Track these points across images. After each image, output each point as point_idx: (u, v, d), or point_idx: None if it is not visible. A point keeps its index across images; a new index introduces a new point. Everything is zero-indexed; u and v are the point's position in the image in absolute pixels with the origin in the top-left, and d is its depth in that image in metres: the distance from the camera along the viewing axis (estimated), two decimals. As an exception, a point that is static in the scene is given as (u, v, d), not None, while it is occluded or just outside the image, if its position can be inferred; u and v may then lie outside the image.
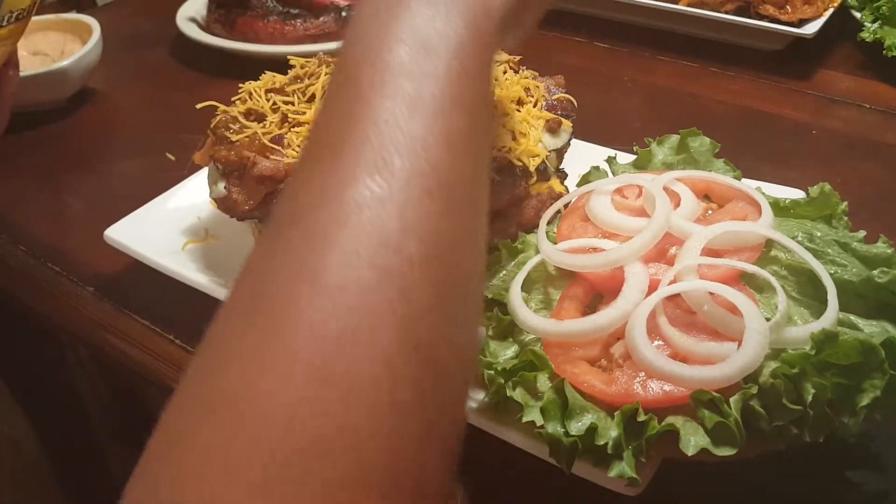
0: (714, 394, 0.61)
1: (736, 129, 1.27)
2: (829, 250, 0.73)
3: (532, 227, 0.84)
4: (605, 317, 0.68)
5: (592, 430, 0.62)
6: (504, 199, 0.83)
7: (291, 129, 0.86)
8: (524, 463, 0.70)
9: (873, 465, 0.73)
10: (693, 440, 0.60)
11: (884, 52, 1.34)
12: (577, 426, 0.62)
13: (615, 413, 0.62)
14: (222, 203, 0.87)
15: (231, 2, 1.52)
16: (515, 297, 0.72)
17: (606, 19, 1.60)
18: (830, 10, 1.42)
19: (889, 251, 0.72)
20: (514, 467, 0.72)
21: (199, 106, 0.93)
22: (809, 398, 0.59)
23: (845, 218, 0.79)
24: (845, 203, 0.79)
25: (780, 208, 0.80)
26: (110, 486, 1.68)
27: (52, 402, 1.58)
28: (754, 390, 0.61)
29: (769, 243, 0.74)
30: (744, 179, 0.86)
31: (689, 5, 1.47)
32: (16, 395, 1.52)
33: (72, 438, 1.66)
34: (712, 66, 1.45)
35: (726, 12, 1.45)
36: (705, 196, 0.83)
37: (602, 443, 0.61)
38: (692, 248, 0.70)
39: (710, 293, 0.66)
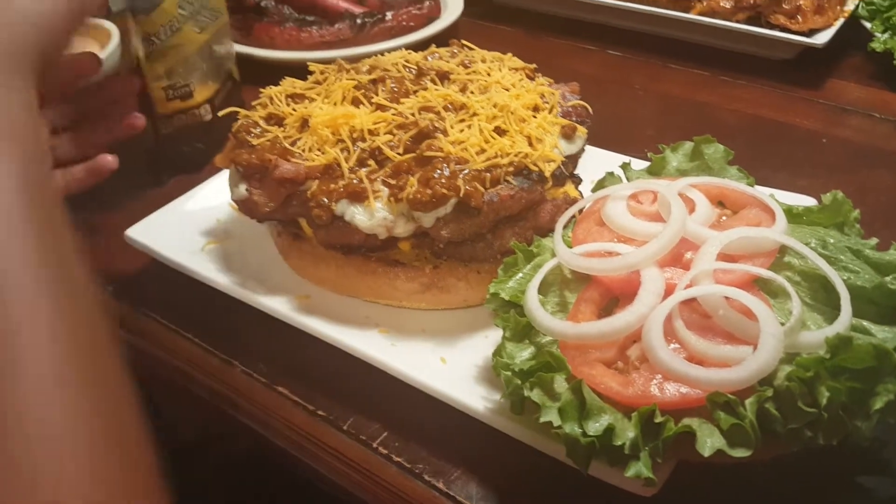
0: (730, 396, 0.62)
1: (747, 137, 1.28)
2: (841, 257, 0.74)
3: (548, 231, 0.85)
4: (622, 320, 0.69)
5: (610, 430, 0.63)
6: (520, 204, 0.84)
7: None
8: (541, 463, 0.71)
9: (886, 470, 0.73)
10: (709, 441, 0.61)
11: (894, 62, 1.35)
12: (595, 427, 0.63)
13: (632, 414, 0.63)
14: (243, 205, 0.88)
15: (247, 8, 1.54)
16: (532, 299, 0.73)
17: (619, 28, 1.61)
18: (841, 21, 1.44)
19: None
20: (530, 468, 0.73)
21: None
22: (824, 401, 0.60)
23: (857, 225, 0.80)
24: (857, 210, 0.80)
25: (793, 215, 0.81)
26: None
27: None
28: (769, 393, 0.62)
29: (783, 249, 0.74)
30: (756, 187, 0.87)
31: (700, 14, 1.49)
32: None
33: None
34: (723, 74, 1.46)
35: (738, 21, 1.46)
36: (719, 202, 0.84)
37: (619, 443, 0.62)
38: (708, 254, 0.71)
39: (726, 297, 0.67)
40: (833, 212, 0.80)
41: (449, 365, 0.81)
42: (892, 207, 1.09)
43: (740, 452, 0.61)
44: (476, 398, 0.76)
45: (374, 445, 0.79)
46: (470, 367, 0.80)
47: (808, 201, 0.93)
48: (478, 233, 0.85)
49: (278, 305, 0.87)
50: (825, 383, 0.61)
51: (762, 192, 0.83)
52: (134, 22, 1.07)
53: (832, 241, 0.76)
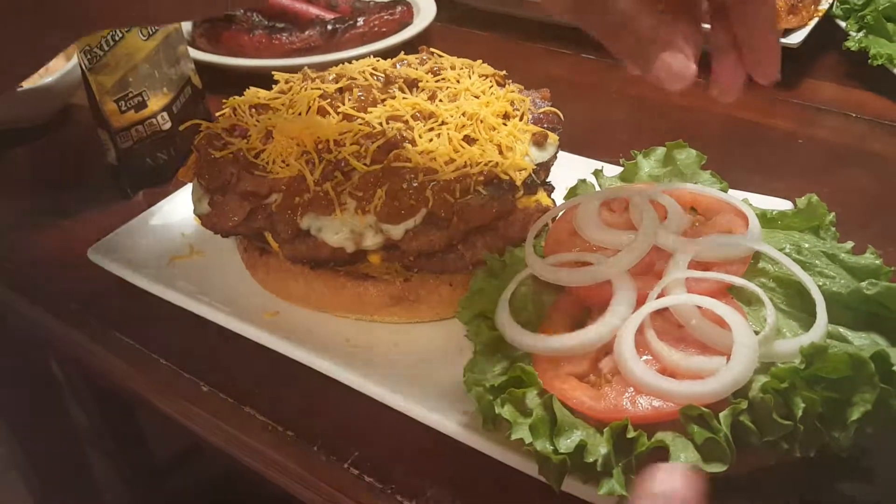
0: (703, 409, 0.60)
1: (723, 139, 1.27)
2: (816, 262, 0.72)
3: (520, 241, 0.83)
4: (594, 332, 0.67)
5: (581, 447, 0.61)
6: (491, 213, 0.82)
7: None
8: (515, 481, 0.69)
9: (866, 478, 0.72)
10: (683, 457, 0.59)
11: (869, 60, 1.34)
12: (566, 443, 0.62)
13: (604, 429, 0.62)
14: (206, 220, 0.86)
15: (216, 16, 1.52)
16: (503, 312, 0.72)
17: (593, 31, 1.60)
18: (815, 20, 1.43)
19: (877, 262, 0.72)
20: (504, 485, 0.71)
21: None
22: (800, 413, 0.59)
23: (833, 229, 0.79)
24: (833, 214, 0.79)
25: (767, 220, 0.80)
26: (97, 494, 1.65)
27: (39, 418, 1.57)
28: (744, 405, 0.60)
29: (757, 255, 0.73)
30: (731, 191, 0.86)
31: (674, 16, 1.48)
32: (3, 413, 1.51)
33: (59, 455, 1.65)
34: (699, 76, 1.45)
35: (712, 23, 1.45)
36: (692, 208, 0.82)
37: (591, 460, 0.61)
38: (679, 262, 0.70)
39: (698, 307, 0.66)
40: (808, 216, 0.79)
41: (421, 381, 0.79)
42: (868, 208, 1.08)
43: (715, 468, 0.59)
44: (449, 415, 0.74)
45: (345, 465, 0.76)
46: (443, 382, 0.78)
47: (783, 205, 0.92)
48: (448, 244, 0.83)
49: (245, 323, 0.85)
50: (800, 394, 0.60)
51: (735, 196, 0.81)
52: None
53: (807, 245, 0.75)
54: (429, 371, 0.80)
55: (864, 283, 0.68)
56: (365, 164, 0.82)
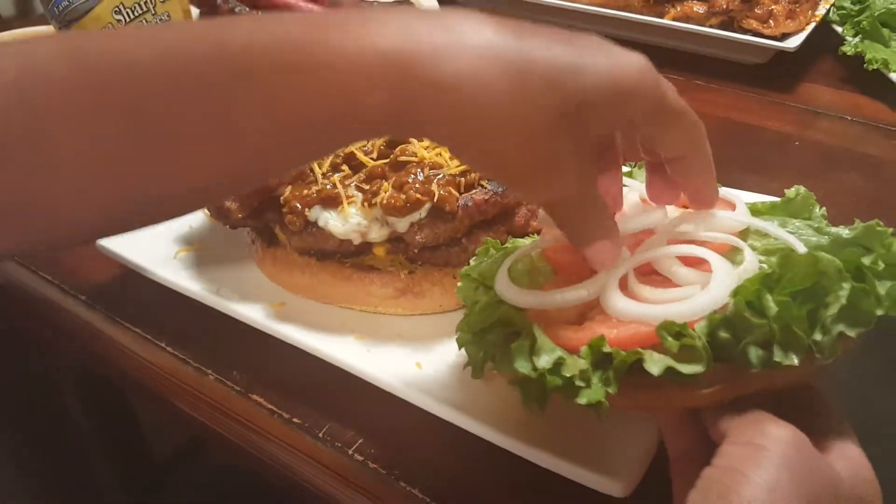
0: (680, 325, 0.59)
1: (720, 141, 1.28)
2: (802, 231, 0.73)
3: (523, 235, 0.85)
4: (590, 286, 0.67)
5: (560, 363, 0.61)
6: (495, 208, 0.84)
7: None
8: (518, 467, 0.71)
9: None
10: (657, 363, 0.58)
11: (864, 65, 1.37)
12: (545, 360, 0.62)
13: (582, 349, 0.62)
14: (216, 211, 0.88)
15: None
16: (503, 277, 0.72)
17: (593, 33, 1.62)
18: (813, 25, 1.45)
19: (863, 227, 0.70)
20: (507, 472, 0.73)
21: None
22: (773, 314, 0.58)
23: (825, 221, 0.80)
24: (823, 208, 0.80)
25: (756, 211, 0.81)
26: (96, 491, 1.66)
27: (40, 412, 1.58)
28: (719, 317, 0.60)
29: (744, 235, 0.74)
30: (724, 189, 0.87)
31: (674, 19, 1.50)
32: (4, 407, 1.52)
33: (60, 448, 1.66)
34: (697, 79, 1.47)
35: (711, 26, 1.47)
36: (684, 206, 0.83)
37: (569, 375, 0.60)
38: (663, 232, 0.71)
39: (678, 257, 0.67)
40: (797, 206, 0.80)
41: (424, 370, 0.81)
42: (862, 209, 1.10)
43: (692, 368, 0.58)
44: (451, 403, 0.76)
45: (350, 452, 0.78)
46: (445, 371, 0.80)
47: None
48: (452, 237, 0.85)
49: (252, 313, 0.87)
50: (773, 298, 0.59)
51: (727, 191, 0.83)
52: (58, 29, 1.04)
53: (796, 223, 0.75)
54: (432, 361, 0.82)
55: (843, 230, 0.69)
56: (372, 158, 0.84)
